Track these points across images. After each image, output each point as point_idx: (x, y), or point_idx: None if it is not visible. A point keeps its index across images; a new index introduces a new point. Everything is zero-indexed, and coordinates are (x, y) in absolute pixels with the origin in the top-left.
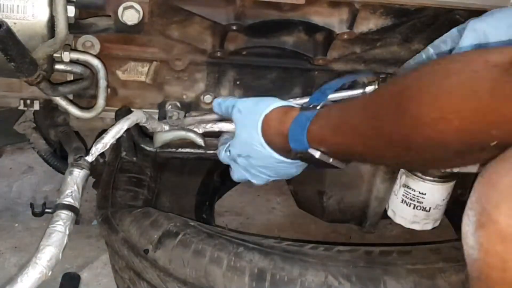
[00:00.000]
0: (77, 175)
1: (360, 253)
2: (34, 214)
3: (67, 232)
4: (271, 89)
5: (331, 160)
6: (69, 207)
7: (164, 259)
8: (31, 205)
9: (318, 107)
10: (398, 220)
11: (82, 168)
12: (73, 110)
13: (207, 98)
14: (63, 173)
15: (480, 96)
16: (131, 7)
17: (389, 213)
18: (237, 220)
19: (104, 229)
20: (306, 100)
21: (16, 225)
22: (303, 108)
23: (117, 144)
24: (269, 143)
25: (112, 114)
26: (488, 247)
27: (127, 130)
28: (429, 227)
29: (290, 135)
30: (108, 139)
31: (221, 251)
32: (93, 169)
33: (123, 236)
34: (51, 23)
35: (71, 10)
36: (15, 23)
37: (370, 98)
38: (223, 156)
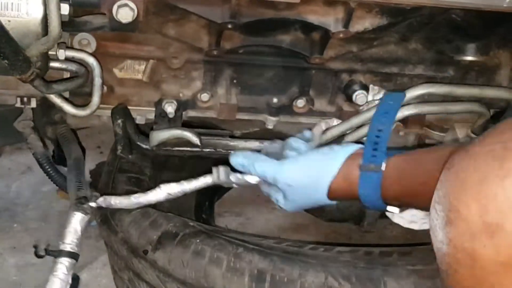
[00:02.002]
0: (81, 219)
1: (360, 254)
2: (37, 256)
3: (70, 281)
4: (267, 87)
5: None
6: (72, 255)
7: (163, 260)
8: (34, 246)
9: (383, 167)
10: (396, 219)
11: (87, 214)
12: (68, 107)
13: (204, 96)
14: (53, 181)
15: None
16: (126, 5)
17: (387, 213)
18: (237, 221)
19: (103, 230)
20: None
21: (15, 225)
22: (363, 167)
23: (115, 144)
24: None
25: (109, 112)
26: (457, 243)
27: (124, 129)
28: (427, 226)
29: (363, 200)
30: (116, 204)
31: (221, 252)
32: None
33: (122, 237)
34: (45, 20)
35: (65, 8)
36: (9, 21)
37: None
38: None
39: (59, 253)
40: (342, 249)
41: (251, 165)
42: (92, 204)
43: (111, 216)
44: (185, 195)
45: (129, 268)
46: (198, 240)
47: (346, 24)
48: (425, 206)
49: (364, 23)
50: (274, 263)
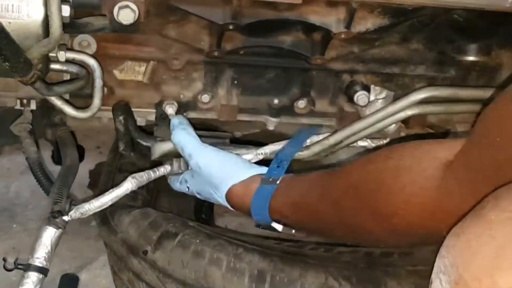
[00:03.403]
0: (53, 234)
1: (361, 255)
2: (6, 269)
3: None
4: (268, 88)
5: (293, 231)
6: (40, 270)
7: (163, 260)
8: (4, 260)
9: (278, 182)
10: None
11: (59, 228)
12: (69, 110)
13: (205, 97)
14: (43, 189)
15: (428, 194)
16: (127, 6)
17: None
18: (237, 221)
19: (103, 230)
20: (271, 148)
21: (14, 226)
22: (263, 180)
23: (116, 143)
24: (234, 207)
25: (109, 114)
26: None
27: (125, 126)
28: None
29: (252, 210)
30: (89, 209)
31: (221, 252)
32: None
33: (122, 237)
34: (46, 22)
35: (66, 10)
36: (9, 23)
37: (329, 181)
38: (177, 187)
39: (27, 267)
40: (342, 250)
41: (176, 134)
42: (66, 218)
43: (111, 216)
44: (185, 196)
45: (129, 269)
46: (198, 241)
47: (348, 25)
48: (311, 232)
49: (366, 23)
50: (274, 263)
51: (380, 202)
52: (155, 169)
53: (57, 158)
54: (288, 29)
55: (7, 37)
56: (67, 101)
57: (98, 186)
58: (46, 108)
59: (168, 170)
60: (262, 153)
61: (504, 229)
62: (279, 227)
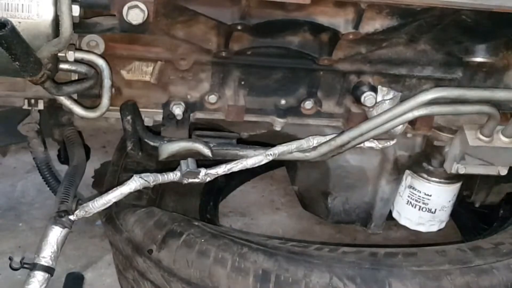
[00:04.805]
0: (59, 233)
1: (365, 255)
2: (12, 268)
3: None
4: (275, 89)
5: None
6: (46, 269)
7: (168, 259)
8: (10, 259)
9: None
10: (403, 221)
11: (65, 227)
12: (78, 109)
13: (212, 98)
14: (50, 188)
15: None
16: (136, 6)
17: (394, 215)
18: (242, 221)
19: (108, 229)
20: (280, 149)
21: (20, 224)
22: None
23: (122, 143)
24: None
25: (117, 114)
26: None
27: (133, 126)
28: (434, 228)
29: None
30: (94, 208)
31: (226, 252)
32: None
33: (127, 236)
34: (56, 22)
35: (76, 10)
36: (19, 22)
37: None
38: None
39: (33, 266)
40: (347, 250)
41: None
42: (72, 218)
43: (116, 216)
44: (190, 195)
45: (134, 268)
46: (203, 240)
47: (356, 25)
48: None
49: (374, 24)
50: (279, 263)
51: None
52: (164, 173)
53: (63, 158)
54: (296, 29)
55: (18, 37)
56: (76, 101)
57: (103, 185)
58: (53, 108)
59: (177, 176)
60: (271, 154)
61: None
62: None
